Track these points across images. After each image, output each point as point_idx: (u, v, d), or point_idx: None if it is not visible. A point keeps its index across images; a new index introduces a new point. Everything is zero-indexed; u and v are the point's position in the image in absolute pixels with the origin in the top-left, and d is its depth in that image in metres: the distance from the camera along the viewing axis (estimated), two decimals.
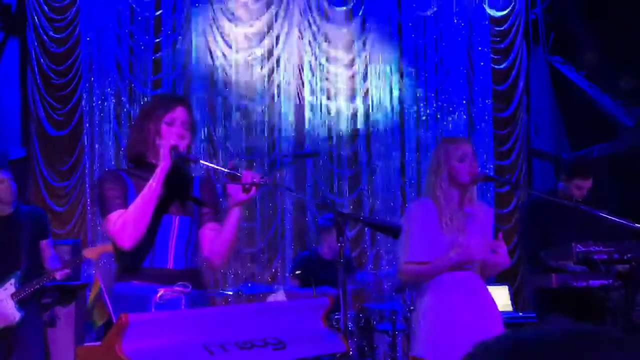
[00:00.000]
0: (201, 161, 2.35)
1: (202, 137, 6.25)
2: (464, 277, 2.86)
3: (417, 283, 2.96)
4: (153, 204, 2.27)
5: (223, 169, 2.32)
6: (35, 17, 6.17)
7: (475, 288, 2.87)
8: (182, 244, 2.38)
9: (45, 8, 6.19)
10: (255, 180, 2.25)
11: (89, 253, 4.05)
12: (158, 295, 2.28)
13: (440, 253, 2.84)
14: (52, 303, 4.66)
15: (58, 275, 4.06)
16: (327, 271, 4.87)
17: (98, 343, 1.67)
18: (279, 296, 4.27)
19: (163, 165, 2.27)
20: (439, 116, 6.90)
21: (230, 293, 4.90)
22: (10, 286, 4.02)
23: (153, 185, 2.26)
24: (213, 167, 5.49)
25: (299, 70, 6.64)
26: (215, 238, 2.42)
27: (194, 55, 6.41)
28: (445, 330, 2.79)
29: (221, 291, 5.42)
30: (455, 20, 6.96)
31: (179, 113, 2.39)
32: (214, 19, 6.48)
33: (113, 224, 2.28)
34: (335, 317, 4.28)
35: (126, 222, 2.25)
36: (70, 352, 4.65)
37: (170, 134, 2.35)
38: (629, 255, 3.55)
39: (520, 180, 6.82)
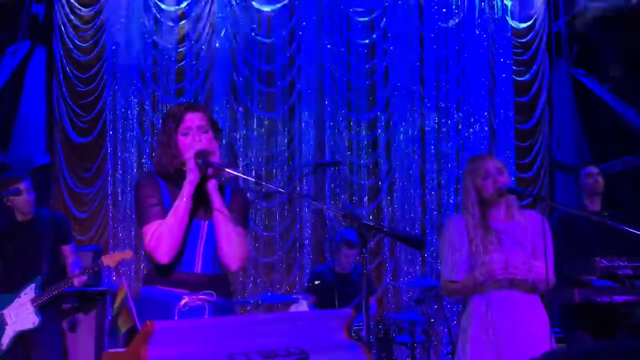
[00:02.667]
0: (226, 169, 2.35)
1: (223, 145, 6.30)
2: (503, 297, 2.83)
3: (463, 298, 2.97)
4: (186, 218, 2.30)
5: (247, 177, 2.33)
6: (62, 26, 6.29)
7: (514, 308, 2.82)
8: (211, 249, 2.39)
9: (72, 17, 6.31)
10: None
11: (108, 260, 4.09)
12: (182, 302, 2.29)
13: (469, 272, 2.85)
14: (72, 309, 4.70)
15: (76, 282, 4.10)
16: (343, 284, 4.86)
17: (123, 349, 1.68)
18: (301, 306, 4.26)
19: (191, 179, 2.30)
20: (460, 127, 6.87)
21: (252, 302, 4.90)
22: (30, 291, 4.08)
23: (183, 201, 2.29)
24: (235, 175, 5.52)
25: (320, 80, 6.67)
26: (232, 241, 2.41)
27: (216, 64, 6.47)
28: (477, 350, 2.78)
29: (241, 300, 5.43)
30: (477, 32, 6.94)
31: (189, 121, 2.39)
32: (236, 30, 6.54)
33: (149, 239, 2.31)
34: (355, 327, 4.26)
35: (161, 238, 2.28)
36: (90, 357, 4.68)
37: (187, 145, 2.36)
38: None
39: (542, 193, 6.76)
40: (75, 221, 6.04)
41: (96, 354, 4.63)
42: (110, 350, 1.76)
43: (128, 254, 4.21)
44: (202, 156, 2.31)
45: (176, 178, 2.39)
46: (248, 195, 2.41)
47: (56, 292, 4.06)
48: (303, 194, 6.35)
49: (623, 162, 6.30)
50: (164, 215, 2.34)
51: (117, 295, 1.91)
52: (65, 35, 6.30)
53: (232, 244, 2.36)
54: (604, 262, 3.55)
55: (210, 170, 2.34)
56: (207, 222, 2.40)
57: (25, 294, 4.08)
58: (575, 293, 3.60)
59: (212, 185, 2.35)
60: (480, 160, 2.97)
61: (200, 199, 2.38)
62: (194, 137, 2.37)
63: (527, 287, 2.85)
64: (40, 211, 4.31)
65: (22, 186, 4.14)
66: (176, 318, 2.25)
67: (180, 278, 2.34)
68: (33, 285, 4.09)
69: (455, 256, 2.89)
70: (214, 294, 2.35)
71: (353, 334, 4.16)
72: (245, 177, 2.45)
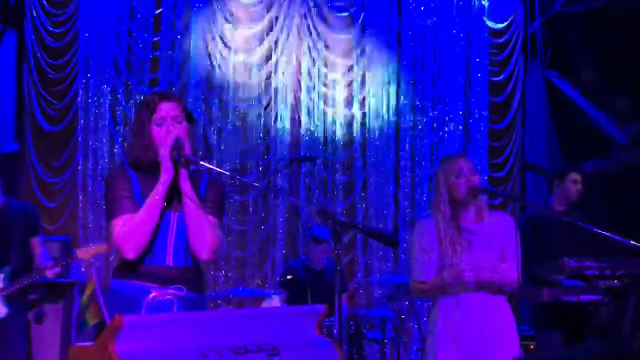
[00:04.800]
0: (202, 162, 2.32)
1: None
2: (470, 298, 2.85)
3: (433, 298, 2.98)
4: (157, 216, 2.28)
5: (222, 171, 2.30)
6: (34, 11, 6.13)
7: (481, 310, 2.84)
8: (182, 241, 2.36)
9: (44, 2, 6.15)
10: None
11: (82, 254, 4.02)
12: (150, 296, 2.26)
13: (438, 273, 2.87)
14: (38, 300, 4.62)
15: (49, 273, 4.03)
16: (316, 280, 4.87)
17: (90, 343, 1.65)
18: (273, 302, 4.25)
19: (166, 179, 2.27)
20: (435, 126, 6.92)
21: (223, 296, 4.88)
22: None
23: (156, 200, 2.26)
24: (209, 167, 5.47)
25: (297, 75, 6.64)
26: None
27: (192, 55, 6.39)
28: (444, 351, 2.80)
29: (212, 294, 5.39)
30: (454, 32, 6.99)
31: (164, 110, 2.35)
32: (213, 20, 6.47)
33: (117, 232, 2.28)
34: (327, 323, 4.26)
35: (129, 234, 2.25)
36: (56, 350, 4.60)
37: (161, 135, 2.32)
38: (620, 271, 3.57)
39: (513, 192, 6.85)
40: (44, 211, 5.91)
41: (62, 346, 4.56)
42: (77, 344, 1.73)
43: (102, 248, 4.15)
44: (177, 149, 2.27)
45: (148, 169, 2.35)
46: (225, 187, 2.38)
47: (27, 282, 3.99)
48: (277, 188, 6.32)
49: (593, 165, 6.41)
50: (133, 208, 2.30)
51: (86, 288, 1.88)
52: (37, 20, 6.14)
53: (202, 233, 2.32)
54: (572, 262, 3.61)
55: (182, 161, 2.30)
56: (177, 213, 2.36)
57: None
58: (544, 292, 3.65)
59: (183, 175, 2.32)
60: (453, 160, 3.00)
61: (171, 191, 2.35)
62: (167, 126, 2.33)
63: (493, 288, 2.88)
64: (10, 201, 4.22)
65: None
66: (143, 312, 2.22)
67: (151, 271, 2.31)
68: (2, 276, 4.01)
69: (425, 257, 2.91)
70: (185, 288, 2.32)
71: (325, 330, 4.17)
72: (218, 170, 2.41)
